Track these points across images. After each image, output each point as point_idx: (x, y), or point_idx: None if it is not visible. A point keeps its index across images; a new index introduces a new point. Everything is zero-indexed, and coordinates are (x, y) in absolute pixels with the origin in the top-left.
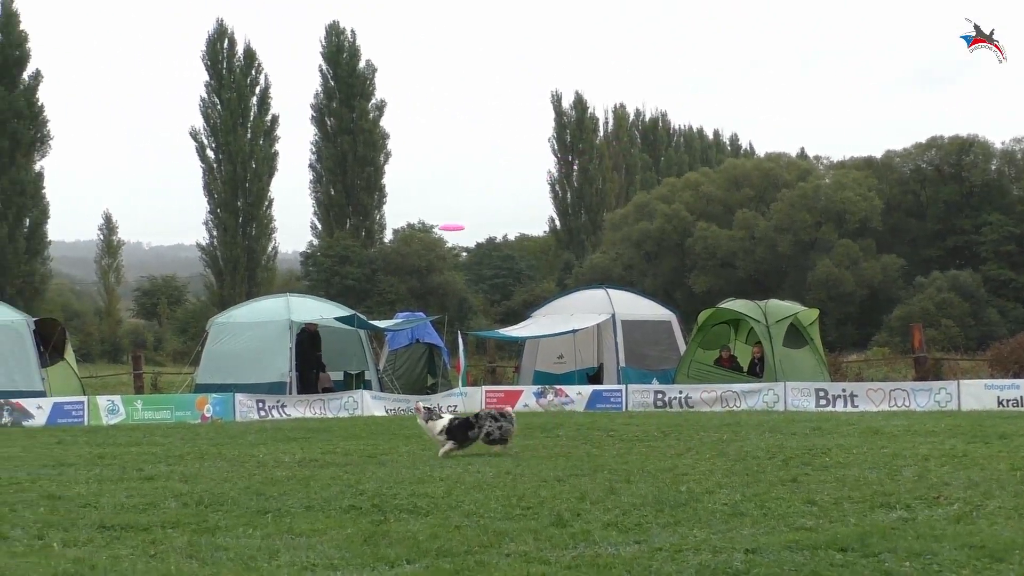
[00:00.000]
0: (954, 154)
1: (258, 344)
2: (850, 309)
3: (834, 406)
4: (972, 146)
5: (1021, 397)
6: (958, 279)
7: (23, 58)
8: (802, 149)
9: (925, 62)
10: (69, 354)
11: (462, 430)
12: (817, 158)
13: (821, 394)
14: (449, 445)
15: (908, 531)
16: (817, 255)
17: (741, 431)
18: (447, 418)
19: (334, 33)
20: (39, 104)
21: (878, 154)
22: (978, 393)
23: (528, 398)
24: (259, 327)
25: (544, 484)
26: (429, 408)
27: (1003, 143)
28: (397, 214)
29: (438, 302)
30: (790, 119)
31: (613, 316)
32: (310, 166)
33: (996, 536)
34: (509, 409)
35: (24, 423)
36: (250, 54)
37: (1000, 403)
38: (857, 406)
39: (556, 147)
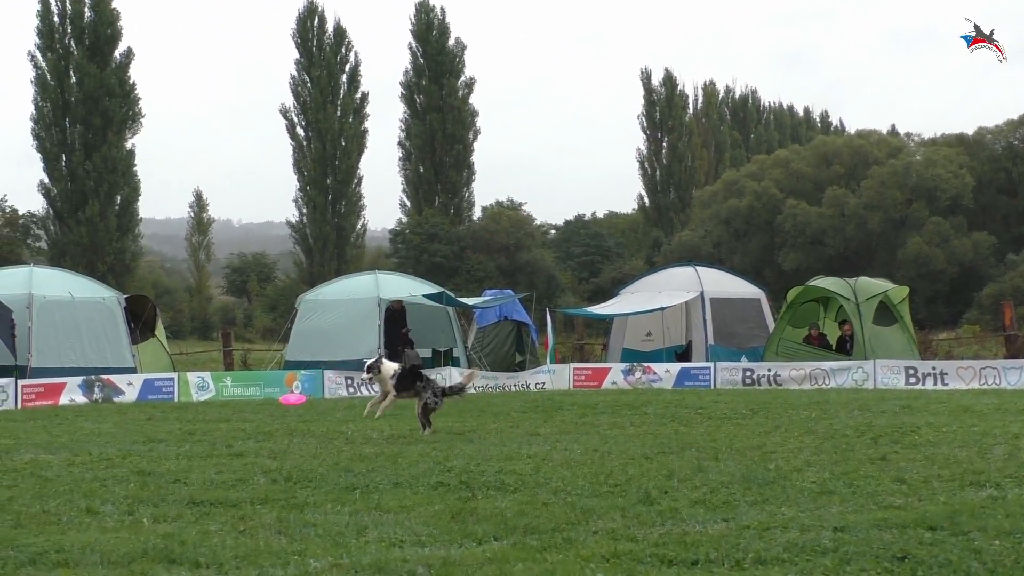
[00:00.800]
0: None
1: (347, 321)
2: (940, 287)
3: (924, 384)
4: None
5: None
6: None
7: (115, 36)
8: (893, 126)
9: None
10: (160, 331)
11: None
12: (908, 135)
13: (911, 372)
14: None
15: (998, 510)
16: (907, 233)
17: (830, 409)
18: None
19: (423, 11)
20: (131, 82)
21: (970, 131)
22: None
23: (616, 375)
24: (348, 304)
25: (632, 462)
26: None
27: None
28: (486, 192)
29: (526, 280)
30: (882, 96)
31: (702, 294)
32: (399, 144)
33: None
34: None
35: (115, 399)
36: (340, 32)
37: None
38: (947, 384)
39: (645, 124)
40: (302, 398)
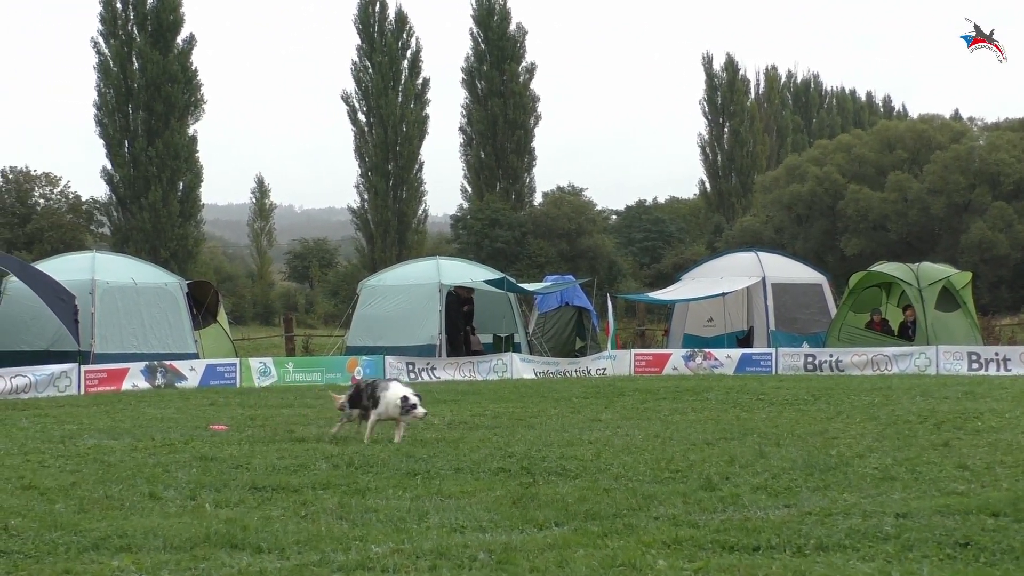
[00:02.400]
0: None
1: (408, 307)
2: (1003, 272)
3: (987, 370)
4: None
5: None
6: None
7: (177, 23)
8: (956, 110)
9: None
10: (222, 316)
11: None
12: (971, 119)
13: (974, 358)
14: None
15: None
16: (970, 217)
17: (892, 395)
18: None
19: None
20: (193, 68)
21: None
22: None
23: (677, 361)
24: (409, 290)
25: (693, 448)
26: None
27: None
28: (547, 177)
29: (588, 265)
30: (946, 80)
31: (763, 279)
32: (460, 129)
33: None
34: None
35: (177, 385)
36: (401, 17)
37: None
38: (1010, 370)
39: (707, 109)
40: (225, 427)
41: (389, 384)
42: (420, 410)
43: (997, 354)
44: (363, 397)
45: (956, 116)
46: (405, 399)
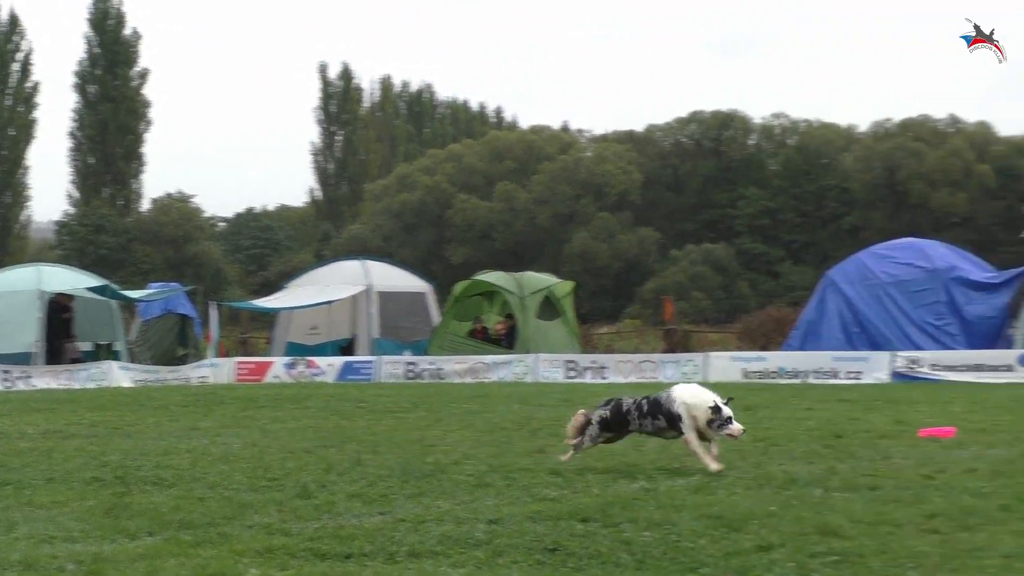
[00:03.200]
0: (715, 128)
1: (5, 314)
2: (605, 281)
3: (583, 377)
4: (732, 121)
5: (766, 369)
6: (712, 252)
7: None
8: (565, 122)
9: (716, 34)
10: None
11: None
12: (580, 131)
13: (571, 365)
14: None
15: (650, 501)
16: (575, 228)
17: (490, 402)
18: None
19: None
20: None
21: (640, 128)
22: (724, 365)
23: (278, 369)
24: (7, 297)
25: (291, 456)
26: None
27: (763, 118)
28: (159, 183)
29: (193, 272)
30: (562, 93)
31: (369, 287)
32: (70, 133)
33: (734, 506)
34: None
35: None
36: (13, 19)
37: (745, 375)
38: (606, 378)
39: (321, 117)
40: None
41: (673, 390)
42: (736, 427)
43: (594, 362)
44: (633, 419)
45: (565, 127)
46: (716, 408)
